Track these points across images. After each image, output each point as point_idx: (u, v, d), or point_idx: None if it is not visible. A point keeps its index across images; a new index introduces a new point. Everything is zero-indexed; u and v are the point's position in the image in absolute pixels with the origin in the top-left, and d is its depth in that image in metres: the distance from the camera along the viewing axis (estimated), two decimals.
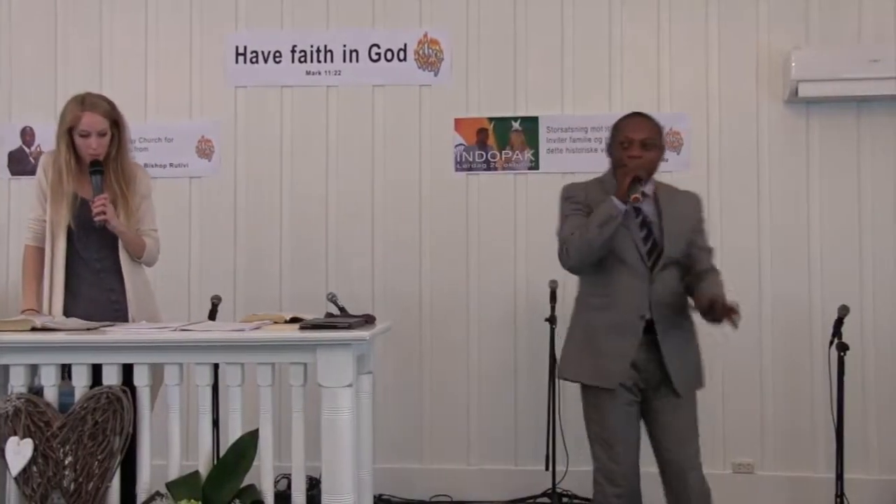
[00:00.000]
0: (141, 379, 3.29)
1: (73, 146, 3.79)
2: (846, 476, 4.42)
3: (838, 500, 4.41)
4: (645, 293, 3.46)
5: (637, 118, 3.60)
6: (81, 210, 3.78)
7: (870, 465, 4.87)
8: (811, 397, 4.90)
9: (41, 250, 3.87)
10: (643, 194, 3.43)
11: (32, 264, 3.88)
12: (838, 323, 4.33)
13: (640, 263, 3.47)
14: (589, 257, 3.47)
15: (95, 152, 3.76)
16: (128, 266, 3.83)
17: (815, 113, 4.98)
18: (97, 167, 3.76)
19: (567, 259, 3.52)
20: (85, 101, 3.77)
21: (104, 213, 3.69)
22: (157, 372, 3.39)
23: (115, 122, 3.82)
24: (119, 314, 3.79)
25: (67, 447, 3.20)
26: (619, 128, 3.59)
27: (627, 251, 3.47)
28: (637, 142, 3.48)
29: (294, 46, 5.23)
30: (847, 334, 4.33)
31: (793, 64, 4.80)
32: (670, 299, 3.49)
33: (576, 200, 3.56)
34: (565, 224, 3.56)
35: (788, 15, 4.99)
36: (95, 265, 3.82)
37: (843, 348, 4.29)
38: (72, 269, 3.80)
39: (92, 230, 3.77)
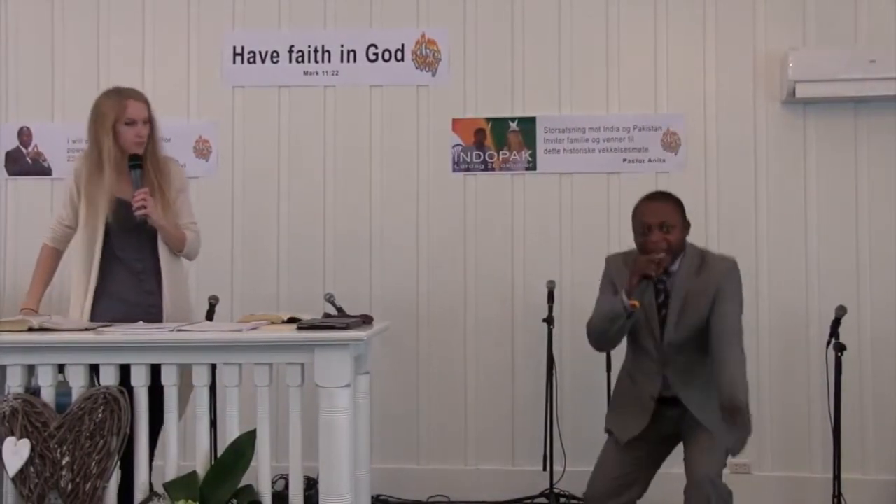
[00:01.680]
0: (138, 379, 3.29)
1: (118, 140, 3.74)
2: (843, 476, 4.43)
3: (836, 500, 4.42)
4: (658, 375, 3.54)
5: (653, 202, 3.58)
6: (121, 211, 3.73)
7: (867, 466, 4.87)
8: (808, 398, 4.90)
9: (57, 252, 3.90)
10: (657, 276, 3.44)
11: (44, 264, 3.90)
12: (835, 323, 4.34)
13: (652, 346, 3.54)
14: (604, 344, 3.66)
15: (142, 139, 3.73)
16: (167, 266, 3.80)
17: (812, 113, 4.98)
18: (136, 161, 3.72)
19: (589, 340, 3.63)
20: (122, 92, 3.78)
21: (145, 206, 3.65)
22: (186, 377, 3.39)
23: (151, 114, 3.82)
24: (154, 316, 3.75)
25: (65, 447, 3.20)
26: (636, 214, 3.58)
27: (642, 334, 3.56)
28: (655, 226, 3.48)
29: (291, 46, 5.23)
30: (844, 335, 4.34)
31: (790, 64, 4.81)
32: (692, 377, 3.51)
33: (607, 275, 3.65)
34: (597, 301, 3.63)
35: (785, 15, 5.00)
36: (136, 266, 3.80)
37: (840, 349, 4.29)
38: (108, 270, 3.77)
39: (132, 231, 3.74)
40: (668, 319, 3.51)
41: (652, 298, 3.53)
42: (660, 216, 3.49)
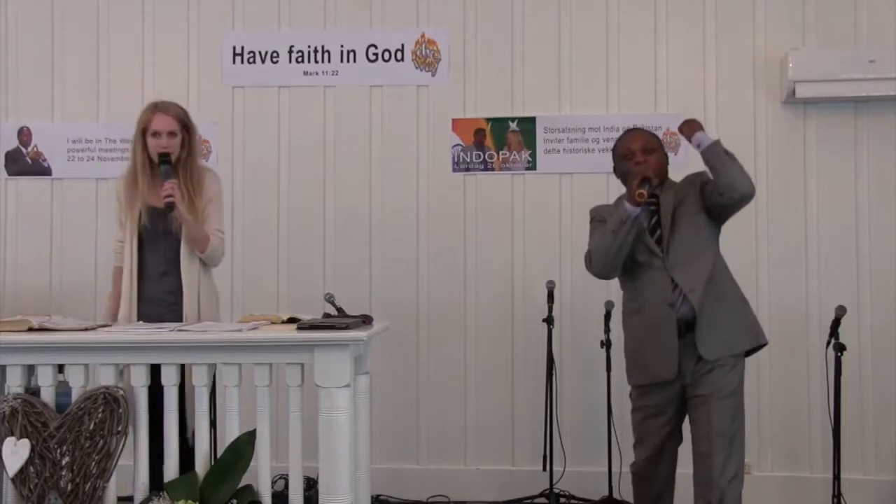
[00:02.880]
0: (139, 380, 3.29)
1: (147, 149, 3.98)
2: (843, 476, 4.42)
3: (835, 500, 4.41)
4: (666, 283, 3.54)
5: (630, 132, 3.82)
6: (151, 216, 3.94)
7: (867, 465, 4.88)
8: (808, 398, 4.90)
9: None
10: (656, 180, 3.58)
11: (115, 285, 4.06)
12: (835, 323, 4.33)
13: (652, 259, 3.59)
14: (608, 261, 3.61)
15: (165, 150, 3.93)
16: (187, 267, 3.94)
17: (812, 113, 4.99)
18: (165, 158, 3.92)
19: (591, 266, 3.70)
20: (157, 105, 4.02)
21: (172, 195, 3.81)
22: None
23: (186, 127, 4.02)
24: (176, 314, 3.90)
25: (64, 447, 3.20)
26: (617, 146, 3.78)
27: (640, 251, 3.60)
28: (638, 149, 3.66)
29: (291, 47, 5.23)
30: (844, 335, 4.33)
31: (790, 64, 4.81)
32: (699, 281, 3.53)
33: (598, 219, 3.74)
34: (590, 239, 3.73)
35: (785, 16, 5.00)
36: (161, 268, 3.96)
37: (840, 349, 4.28)
38: (144, 275, 3.97)
39: (160, 235, 3.95)
40: (662, 223, 3.61)
41: (646, 223, 3.62)
42: (641, 140, 3.70)
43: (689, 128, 3.61)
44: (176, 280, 3.94)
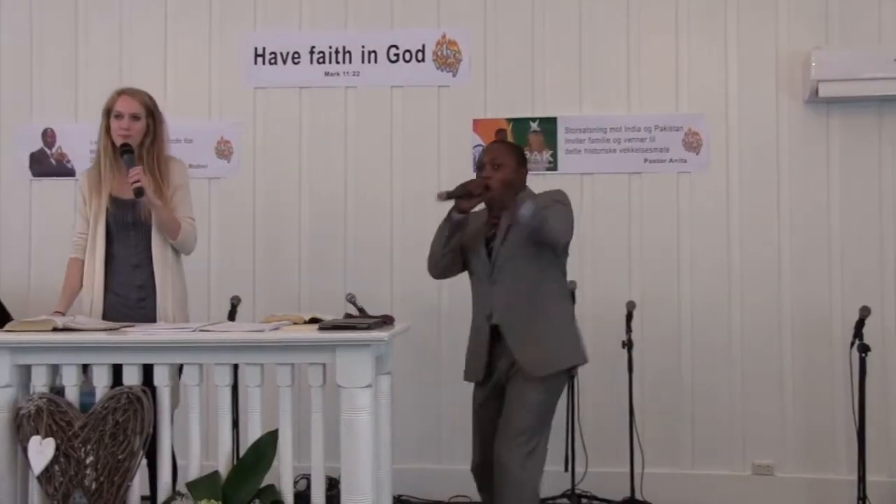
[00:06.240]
0: (161, 379, 3.31)
1: (110, 133, 3.89)
2: (868, 478, 4.39)
3: (860, 502, 4.39)
4: (489, 297, 3.70)
5: (491, 144, 4.01)
6: (117, 208, 3.87)
7: (893, 467, 4.84)
8: (832, 398, 4.87)
9: (81, 262, 3.97)
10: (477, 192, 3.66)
11: (71, 276, 3.98)
12: (859, 324, 4.31)
13: (482, 271, 3.72)
14: (434, 262, 3.82)
15: (126, 133, 3.84)
16: (159, 260, 3.89)
17: (835, 113, 4.95)
18: (126, 147, 3.83)
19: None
20: (124, 90, 3.94)
21: (139, 180, 3.73)
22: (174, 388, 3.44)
23: (151, 114, 3.93)
24: (145, 311, 3.85)
25: (89, 447, 3.22)
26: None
27: (476, 261, 3.76)
28: (487, 163, 3.75)
29: (313, 47, 5.24)
30: (868, 335, 4.31)
31: (813, 64, 4.78)
32: (515, 300, 3.66)
33: None
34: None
35: (808, 14, 4.97)
36: (133, 260, 3.90)
37: (864, 349, 4.26)
38: (111, 268, 3.90)
39: (129, 227, 3.88)
40: (496, 237, 3.71)
41: (486, 232, 3.76)
42: (491, 154, 3.79)
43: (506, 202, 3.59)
44: (148, 272, 3.88)
